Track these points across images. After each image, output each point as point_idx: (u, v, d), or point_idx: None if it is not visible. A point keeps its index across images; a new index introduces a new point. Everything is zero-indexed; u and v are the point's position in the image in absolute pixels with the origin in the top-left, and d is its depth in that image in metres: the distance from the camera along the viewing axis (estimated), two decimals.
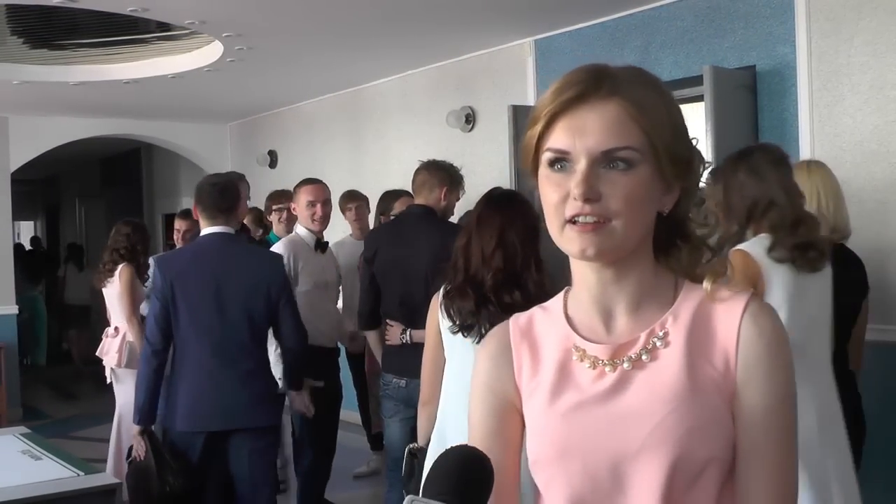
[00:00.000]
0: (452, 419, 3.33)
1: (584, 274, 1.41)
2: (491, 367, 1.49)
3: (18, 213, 11.55)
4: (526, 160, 1.40)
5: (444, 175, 4.79)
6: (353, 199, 6.80)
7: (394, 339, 4.57)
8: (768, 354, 1.34)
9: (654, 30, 5.97)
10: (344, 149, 9.13)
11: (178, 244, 6.60)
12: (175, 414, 4.29)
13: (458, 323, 3.28)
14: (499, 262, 3.24)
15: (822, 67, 5.07)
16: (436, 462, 1.12)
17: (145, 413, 4.28)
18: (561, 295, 1.49)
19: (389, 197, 6.27)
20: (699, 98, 5.49)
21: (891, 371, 4.67)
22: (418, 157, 5.28)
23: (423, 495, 1.05)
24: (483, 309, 3.23)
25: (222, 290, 4.27)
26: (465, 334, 3.29)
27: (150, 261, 6.11)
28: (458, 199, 4.92)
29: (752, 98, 5.41)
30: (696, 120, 7.12)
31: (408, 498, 1.02)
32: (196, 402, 4.26)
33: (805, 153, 5.14)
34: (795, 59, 5.18)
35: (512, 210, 3.35)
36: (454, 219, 5.21)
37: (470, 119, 7.46)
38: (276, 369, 4.67)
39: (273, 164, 10.31)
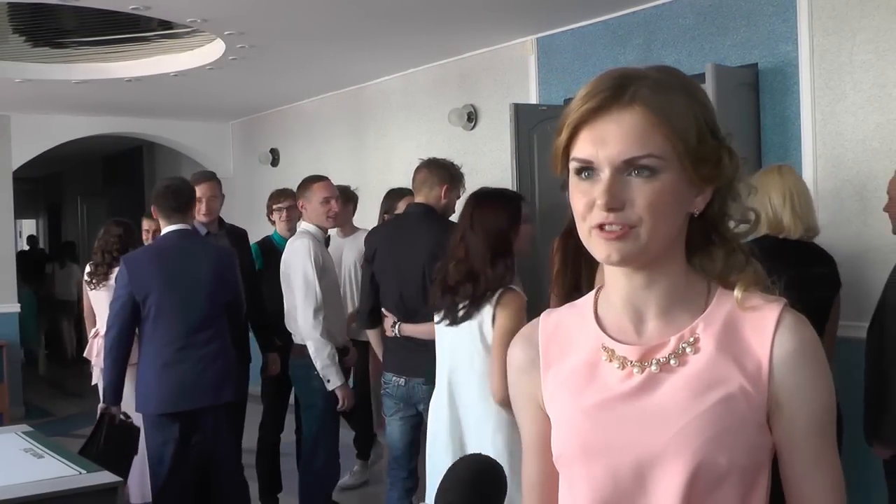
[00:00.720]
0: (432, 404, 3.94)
1: (614, 277, 1.42)
2: (519, 369, 1.54)
3: (20, 211, 11.56)
4: (556, 167, 1.42)
5: (444, 173, 4.78)
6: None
7: (386, 329, 4.62)
8: (807, 365, 1.36)
9: (655, 28, 5.97)
10: (346, 147, 9.13)
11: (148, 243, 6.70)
12: (149, 399, 4.76)
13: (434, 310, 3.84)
14: (460, 256, 3.69)
15: (824, 65, 5.06)
16: (449, 470, 1.12)
17: (112, 396, 4.79)
18: (592, 294, 1.50)
19: (393, 196, 6.26)
20: None
21: None
22: (420, 155, 5.27)
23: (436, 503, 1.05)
24: (446, 297, 3.73)
25: (181, 281, 4.77)
26: (436, 319, 3.83)
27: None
28: (458, 198, 4.91)
29: (754, 96, 5.40)
30: None
31: None
32: (166, 384, 4.73)
33: (807, 151, 5.13)
34: (797, 57, 5.18)
35: (481, 209, 3.73)
36: (455, 217, 5.20)
37: (472, 117, 7.45)
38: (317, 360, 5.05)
39: (275, 162, 10.31)
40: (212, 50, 7.28)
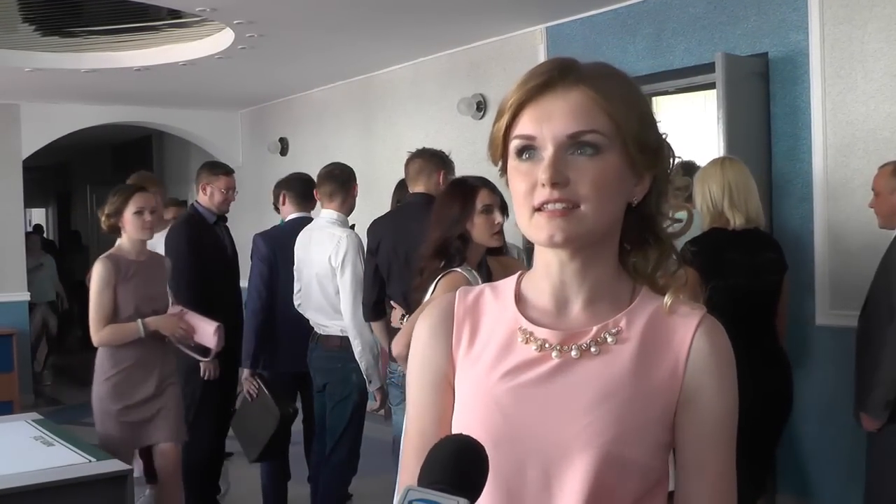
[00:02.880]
0: None
1: (547, 263, 1.40)
2: (429, 338, 1.47)
3: (30, 200, 11.59)
4: (495, 155, 1.40)
5: (438, 160, 4.79)
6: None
7: (394, 321, 4.61)
8: (719, 369, 1.36)
9: (665, 17, 5.94)
10: (355, 136, 9.13)
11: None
12: (276, 358, 5.43)
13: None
14: (427, 243, 3.81)
15: (835, 54, 5.04)
16: (430, 451, 1.12)
17: (255, 358, 5.38)
18: (514, 277, 1.47)
19: (405, 185, 6.22)
20: (711, 86, 5.46)
21: None
22: (429, 144, 5.25)
23: (420, 484, 1.06)
24: (418, 277, 3.81)
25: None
26: None
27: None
28: None
29: (765, 85, 5.38)
30: (708, 107, 7.10)
31: (405, 487, 1.02)
32: (289, 348, 5.38)
33: (817, 141, 5.12)
34: (808, 46, 5.15)
35: (438, 200, 3.91)
36: None
37: (481, 107, 7.44)
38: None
39: (284, 151, 10.31)
40: (221, 39, 7.28)
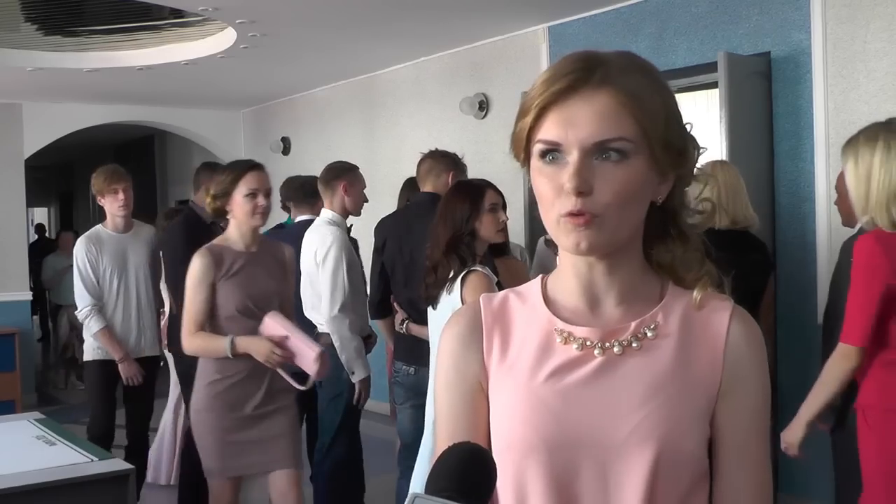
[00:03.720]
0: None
1: (574, 264, 1.39)
2: (458, 348, 1.44)
3: (32, 199, 11.59)
4: (518, 151, 1.38)
5: (448, 161, 4.83)
6: (122, 180, 5.59)
7: (395, 324, 4.64)
8: (754, 359, 1.37)
9: (668, 16, 5.94)
10: (357, 136, 9.13)
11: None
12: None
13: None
14: (430, 245, 3.88)
15: (837, 54, 5.04)
16: (438, 459, 1.12)
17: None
18: (537, 281, 1.46)
19: (413, 185, 6.21)
20: (713, 85, 5.46)
21: None
22: (432, 144, 5.28)
23: (427, 491, 1.06)
24: (424, 284, 3.87)
25: None
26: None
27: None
28: None
29: (767, 85, 5.38)
30: (711, 107, 7.09)
31: (412, 494, 1.02)
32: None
33: (819, 140, 5.12)
34: (810, 45, 5.15)
35: (446, 200, 3.95)
36: None
37: (483, 106, 7.44)
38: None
39: (286, 150, 10.32)
40: (223, 38, 7.28)
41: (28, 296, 10.15)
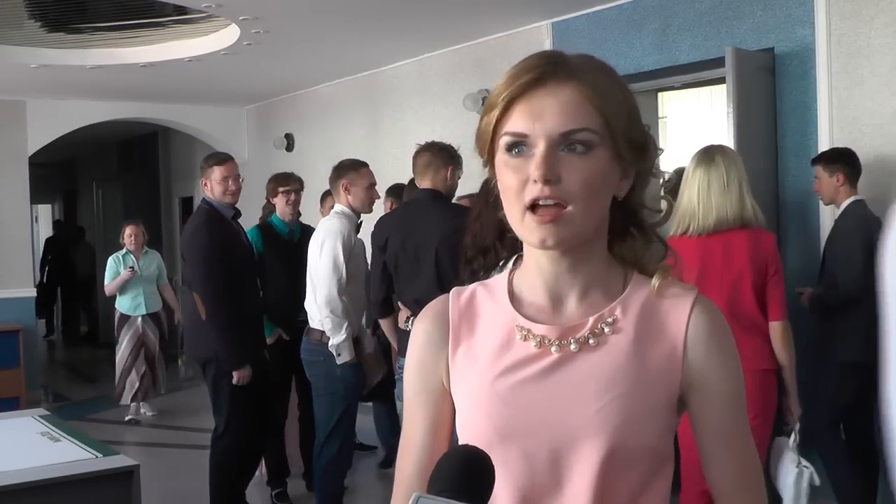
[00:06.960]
0: None
1: (538, 260, 1.41)
2: (425, 342, 1.47)
3: (36, 196, 11.61)
4: (482, 148, 1.41)
5: (446, 154, 4.74)
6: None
7: (400, 322, 4.64)
8: (720, 350, 1.38)
9: (672, 12, 5.93)
10: (361, 132, 9.12)
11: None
12: None
13: None
14: (475, 232, 3.66)
15: (841, 50, 5.03)
16: (439, 461, 1.14)
17: (376, 324, 5.37)
18: (505, 274, 1.49)
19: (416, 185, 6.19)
20: (716, 81, 5.46)
21: None
22: (436, 140, 5.23)
23: (429, 492, 1.08)
24: (465, 270, 3.72)
25: None
26: None
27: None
28: (459, 178, 4.85)
29: (771, 80, 5.37)
30: (715, 102, 7.08)
31: (414, 495, 1.03)
32: None
33: (824, 136, 5.11)
34: (815, 41, 5.14)
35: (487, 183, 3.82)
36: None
37: None
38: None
39: (290, 147, 10.31)
40: (226, 35, 7.28)
41: (32, 292, 10.17)
